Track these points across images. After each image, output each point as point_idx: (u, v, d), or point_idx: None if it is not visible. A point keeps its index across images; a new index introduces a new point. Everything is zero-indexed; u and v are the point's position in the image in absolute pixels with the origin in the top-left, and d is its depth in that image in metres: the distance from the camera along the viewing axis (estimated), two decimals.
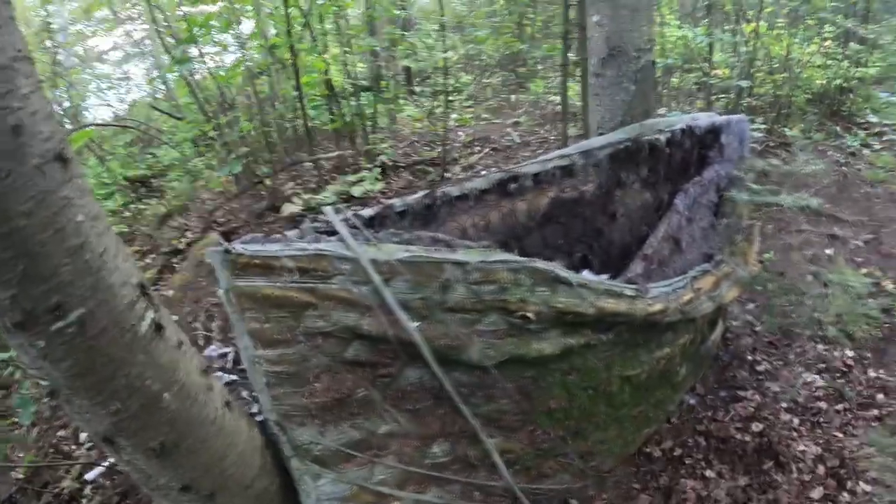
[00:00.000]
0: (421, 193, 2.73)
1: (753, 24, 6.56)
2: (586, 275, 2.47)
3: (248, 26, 6.33)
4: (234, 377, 3.00)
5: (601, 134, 3.51)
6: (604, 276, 2.72)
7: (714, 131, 3.55)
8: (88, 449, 3.50)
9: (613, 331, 2.58)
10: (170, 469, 1.84)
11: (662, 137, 3.32)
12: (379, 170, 5.48)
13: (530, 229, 3.19)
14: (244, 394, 2.82)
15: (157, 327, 1.65)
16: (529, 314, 2.24)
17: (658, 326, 2.77)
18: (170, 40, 5.10)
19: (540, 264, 2.27)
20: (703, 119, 3.59)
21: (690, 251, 3.24)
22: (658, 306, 2.62)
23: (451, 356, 2.19)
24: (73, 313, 1.42)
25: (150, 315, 1.62)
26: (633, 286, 2.59)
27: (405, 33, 7.40)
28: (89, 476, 3.28)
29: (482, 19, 9.38)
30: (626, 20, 3.36)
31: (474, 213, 2.95)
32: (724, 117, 3.62)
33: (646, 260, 2.90)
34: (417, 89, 8.58)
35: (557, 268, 2.32)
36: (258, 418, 2.24)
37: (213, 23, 4.92)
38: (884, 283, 4.32)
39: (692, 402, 3.46)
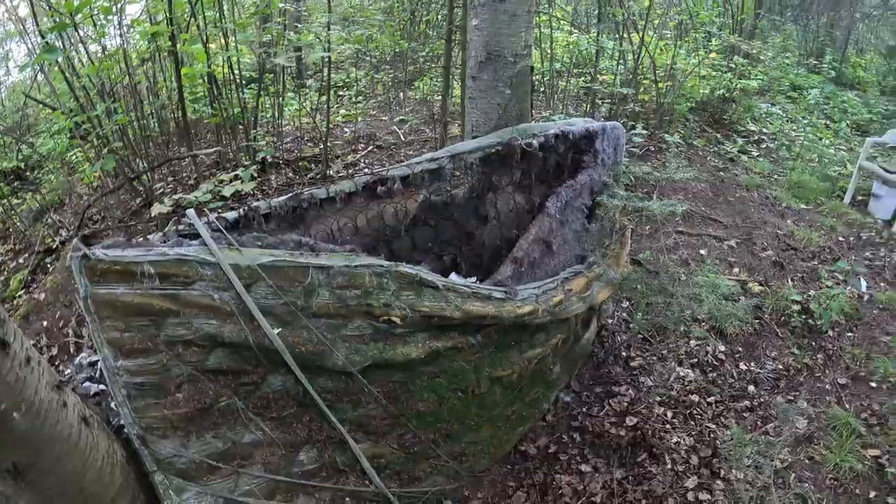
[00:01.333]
0: (286, 196, 2.69)
1: (640, 34, 6.84)
2: (454, 278, 2.51)
3: (132, 10, 6.04)
4: (103, 387, 2.86)
5: (476, 136, 3.57)
6: (472, 279, 2.76)
7: (589, 137, 3.66)
8: None
9: (482, 333, 2.64)
10: (26, 490, 1.77)
11: (535, 142, 3.40)
12: (257, 167, 5.28)
13: (399, 232, 3.20)
14: (113, 404, 2.70)
15: (2, 344, 1.57)
16: (395, 318, 2.27)
17: (528, 328, 2.84)
18: (51, 21, 4.76)
19: (405, 268, 2.30)
20: (578, 124, 3.70)
21: (562, 253, 3.32)
22: (527, 308, 2.69)
23: (316, 362, 2.19)
24: None
25: None
26: (502, 289, 2.65)
27: (298, 25, 7.22)
28: None
29: (368, 17, 9.29)
30: (504, 25, 3.40)
31: (342, 216, 2.93)
32: (600, 123, 3.74)
33: (515, 262, 2.96)
34: (308, 82, 8.41)
35: (423, 271, 2.35)
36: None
37: (94, 5, 4.64)
38: (751, 285, 4.58)
39: (567, 399, 3.55)
